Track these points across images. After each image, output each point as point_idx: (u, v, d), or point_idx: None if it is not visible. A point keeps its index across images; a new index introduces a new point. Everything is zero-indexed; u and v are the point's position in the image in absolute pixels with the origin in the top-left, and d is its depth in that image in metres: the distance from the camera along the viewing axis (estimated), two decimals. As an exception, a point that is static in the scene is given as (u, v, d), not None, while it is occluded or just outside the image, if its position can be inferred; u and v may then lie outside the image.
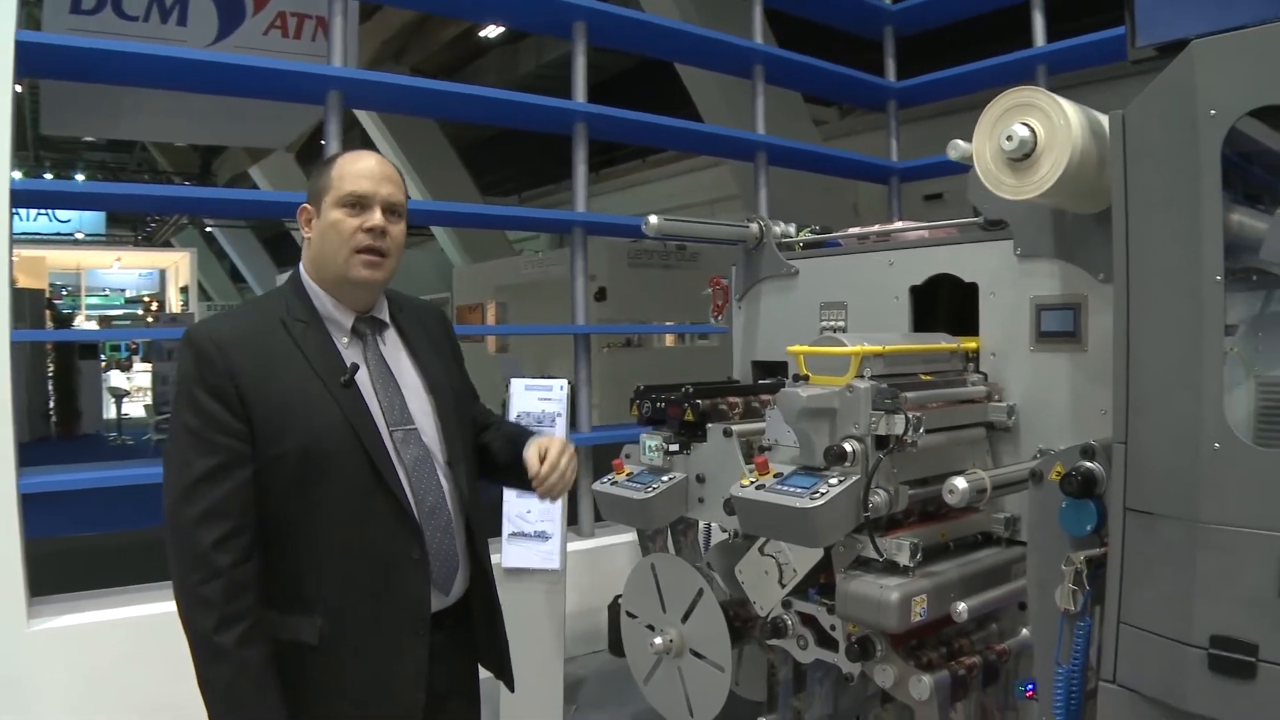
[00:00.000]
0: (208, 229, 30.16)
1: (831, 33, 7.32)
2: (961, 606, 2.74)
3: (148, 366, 18.92)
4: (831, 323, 3.63)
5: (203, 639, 1.87)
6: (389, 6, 10.91)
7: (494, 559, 4.29)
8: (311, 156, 20.20)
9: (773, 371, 3.95)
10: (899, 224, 3.60)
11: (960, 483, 2.63)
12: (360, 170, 2.10)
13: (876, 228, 3.66)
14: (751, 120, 6.34)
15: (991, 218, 3.14)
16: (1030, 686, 2.59)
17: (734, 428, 3.39)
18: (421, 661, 2.06)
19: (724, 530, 3.79)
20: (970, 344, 3.22)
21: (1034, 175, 2.46)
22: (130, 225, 30.62)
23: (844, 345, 2.86)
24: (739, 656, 3.64)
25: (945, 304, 3.44)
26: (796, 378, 2.99)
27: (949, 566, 2.88)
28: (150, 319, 21.38)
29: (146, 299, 24.08)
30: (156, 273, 24.55)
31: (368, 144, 18.53)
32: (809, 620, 3.09)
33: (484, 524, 2.30)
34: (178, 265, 23.58)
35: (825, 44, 8.04)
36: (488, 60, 17.82)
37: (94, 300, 23.94)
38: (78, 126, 14.05)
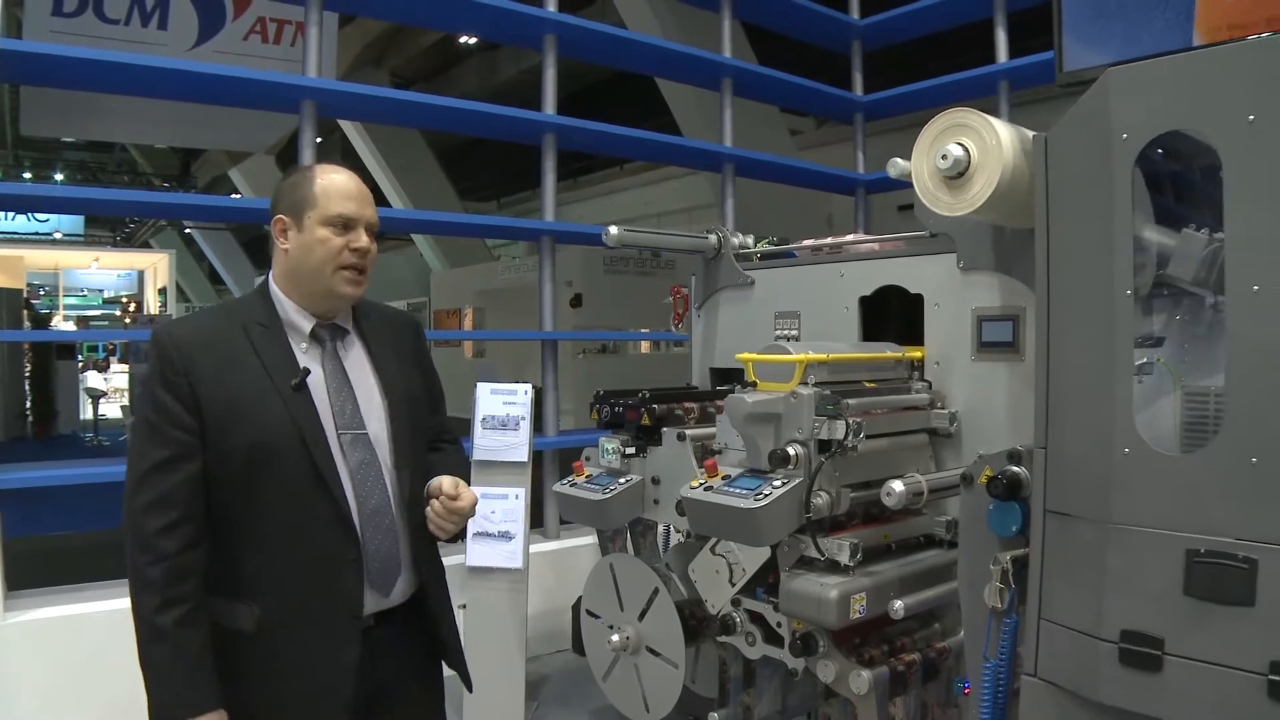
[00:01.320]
0: (187, 230, 30.11)
1: (810, 45, 7.44)
2: (898, 604, 2.85)
3: (125, 368, 18.89)
4: (785, 331, 3.75)
5: (144, 618, 1.96)
6: (365, 17, 10.96)
7: (458, 558, 4.42)
8: (291, 159, 20.17)
9: (730, 378, 4.04)
10: (850, 236, 3.72)
11: (897, 485, 2.76)
12: (344, 191, 2.17)
13: (829, 240, 3.78)
14: (720, 131, 6.45)
15: (936, 232, 3.26)
16: (968, 684, 2.70)
17: (688, 432, 3.51)
18: (351, 660, 2.11)
19: (677, 531, 3.90)
20: (915, 353, 3.34)
21: (968, 192, 2.59)
22: (109, 226, 30.56)
23: (789, 353, 2.97)
24: (695, 654, 3.74)
25: (894, 314, 3.56)
26: (746, 384, 3.10)
27: (889, 567, 2.99)
28: (128, 320, 21.35)
29: (125, 300, 24.03)
30: (135, 274, 24.49)
31: (347, 148, 18.60)
32: (757, 618, 3.21)
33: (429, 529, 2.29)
34: (156, 266, 23.52)
35: (804, 56, 8.15)
36: (468, 65, 17.88)
37: (72, 300, 23.89)
38: (57, 127, 14.06)
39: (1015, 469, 2.39)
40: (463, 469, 2.45)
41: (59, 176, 25.14)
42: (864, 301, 3.53)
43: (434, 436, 2.50)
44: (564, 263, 9.57)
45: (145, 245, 30.05)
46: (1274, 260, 1.89)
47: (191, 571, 2.00)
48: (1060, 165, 2.23)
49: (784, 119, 11.05)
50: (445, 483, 2.23)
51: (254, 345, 2.13)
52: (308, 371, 2.13)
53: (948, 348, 3.26)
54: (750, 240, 4.10)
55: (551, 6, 5.60)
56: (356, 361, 2.27)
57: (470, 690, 2.49)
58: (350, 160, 18.82)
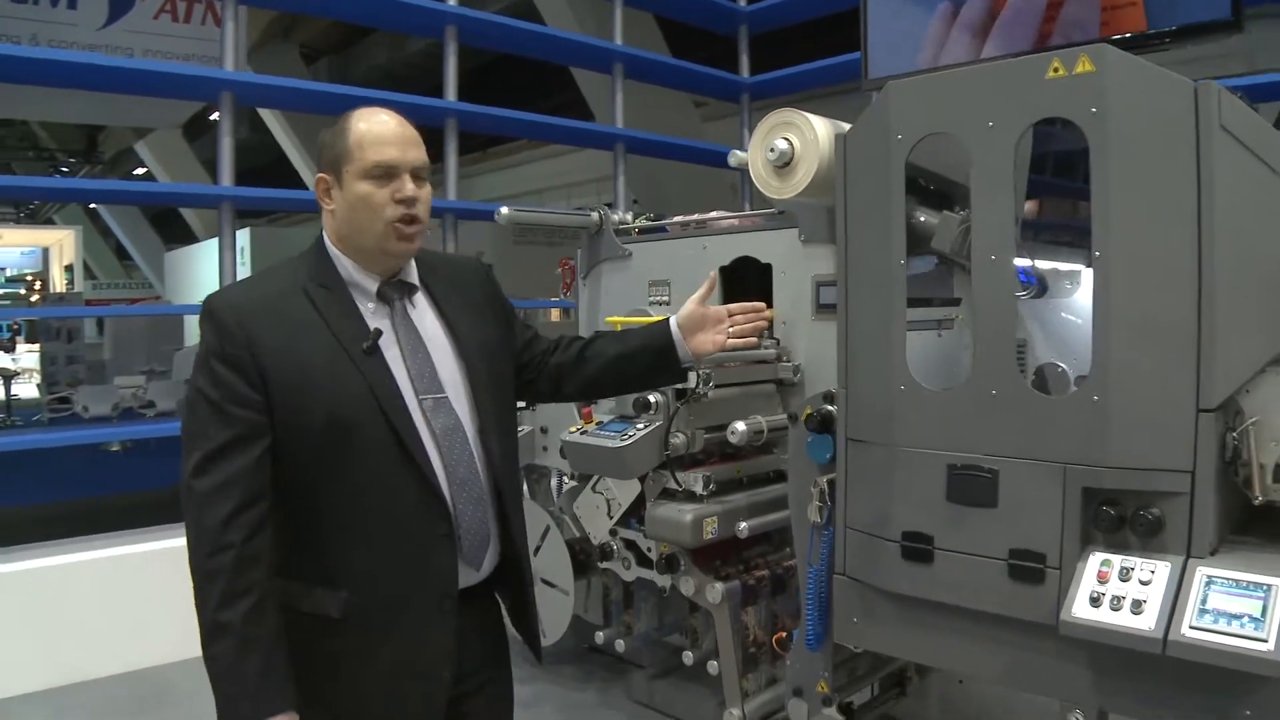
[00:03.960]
0: (92, 205, 29.63)
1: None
2: (743, 525, 3.40)
3: (35, 347, 18.73)
4: (657, 298, 4.24)
5: (207, 613, 1.81)
6: (274, 10, 11.04)
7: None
8: (200, 131, 20.07)
9: (613, 341, 4.53)
10: (714, 213, 4.21)
11: (740, 425, 3.30)
12: (383, 136, 1.98)
13: (695, 217, 4.27)
14: (612, 113, 6.92)
15: (782, 210, 3.76)
16: (808, 595, 3.20)
17: (570, 386, 3.99)
18: (448, 638, 1.99)
19: (570, 478, 4.39)
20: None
21: (792, 179, 3.10)
22: (11, 202, 29.94)
23: (651, 316, 3.47)
24: (586, 587, 4.24)
25: (750, 281, 4.06)
26: (616, 343, 3.59)
27: (740, 496, 3.54)
28: (34, 298, 21.11)
29: (29, 278, 23.69)
30: (39, 250, 24.15)
31: (256, 120, 18.59)
32: (631, 545, 3.73)
33: (518, 494, 2.23)
34: (62, 243, 23.22)
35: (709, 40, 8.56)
36: (378, 37, 17.94)
37: (-27, 279, 23.50)
38: (-41, 104, 13.91)
39: (828, 407, 2.91)
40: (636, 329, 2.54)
41: (-42, 150, 24.60)
42: (724, 270, 4.03)
43: (552, 347, 2.46)
44: (475, 234, 9.86)
45: (49, 221, 29.52)
46: (1006, 235, 2.42)
47: (258, 560, 1.84)
48: (854, 159, 2.74)
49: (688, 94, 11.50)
50: (706, 310, 2.43)
51: (318, 308, 1.96)
52: (379, 332, 1.98)
53: (792, 309, 3.78)
54: (629, 217, 4.57)
55: (452, 0, 6.01)
56: (428, 320, 2.11)
57: (539, 661, 2.40)
58: (261, 134, 18.81)
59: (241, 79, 5.30)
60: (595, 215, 4.49)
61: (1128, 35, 2.71)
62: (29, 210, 29.98)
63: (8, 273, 23.99)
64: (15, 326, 20.80)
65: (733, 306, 2.52)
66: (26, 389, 17.86)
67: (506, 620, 2.27)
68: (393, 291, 2.06)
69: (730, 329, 2.49)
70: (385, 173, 1.97)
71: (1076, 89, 2.30)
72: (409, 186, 1.99)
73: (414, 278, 2.13)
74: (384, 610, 1.95)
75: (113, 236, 31.41)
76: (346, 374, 1.92)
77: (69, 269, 22.54)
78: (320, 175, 2.03)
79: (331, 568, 1.94)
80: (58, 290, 21.81)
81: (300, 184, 16.90)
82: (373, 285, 2.04)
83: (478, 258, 2.45)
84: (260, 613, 1.82)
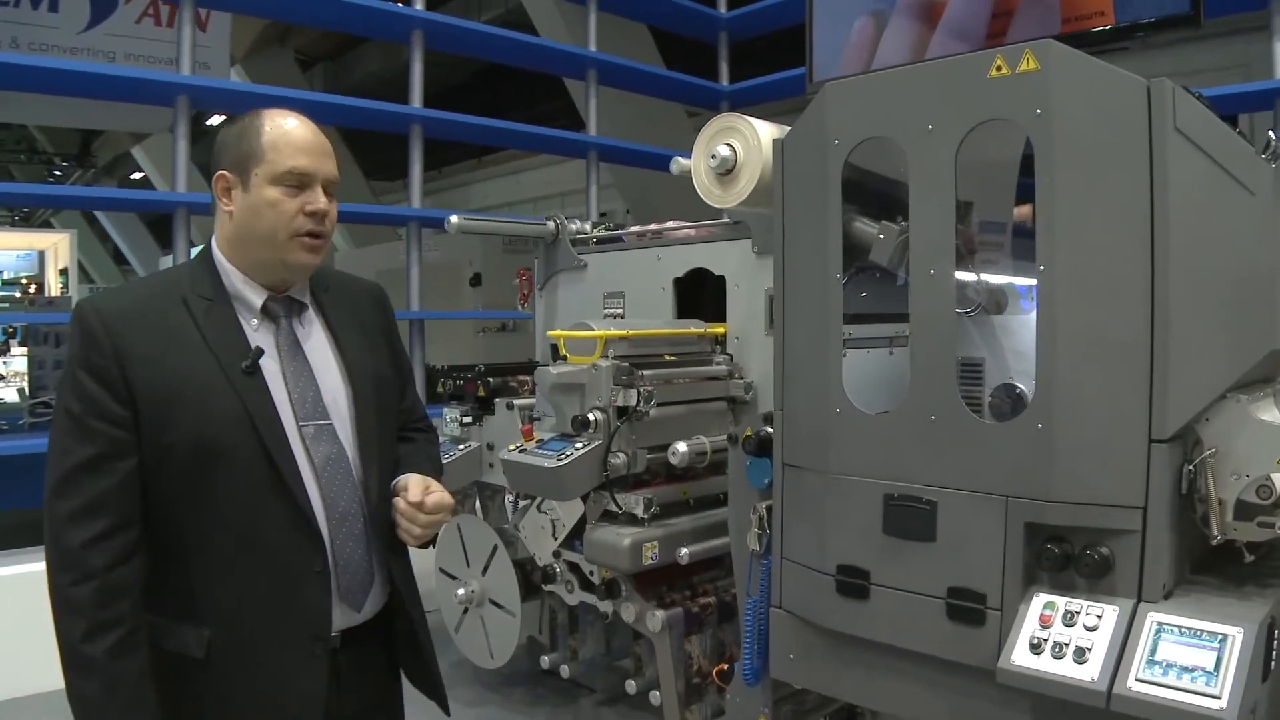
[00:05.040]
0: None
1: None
2: (684, 551, 3.22)
3: (24, 351, 18.62)
4: (612, 310, 4.08)
5: (70, 647, 1.68)
6: (236, 14, 10.91)
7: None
8: (198, 137, 20.00)
9: (570, 353, 4.37)
10: (670, 223, 4.05)
11: (681, 446, 3.13)
12: (299, 143, 1.85)
13: (652, 226, 4.11)
14: (586, 120, 6.76)
15: (736, 220, 3.60)
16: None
17: (517, 401, 3.85)
18: (318, 683, 1.84)
19: (521, 497, 4.23)
20: (719, 329, 3.68)
21: (735, 187, 2.93)
22: (7, 205, 29.83)
23: (592, 330, 3.31)
24: (539, 608, 4.08)
25: (708, 293, 3.90)
26: (559, 358, 3.43)
27: (684, 520, 3.36)
28: (29, 302, 20.99)
29: (24, 281, 23.56)
30: (35, 254, 24.01)
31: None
32: (574, 568, 3.56)
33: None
34: (57, 246, 23.06)
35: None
36: (372, 43, 17.85)
37: (-32, 282, 23.37)
38: (-47, 107, 13.82)
39: (767, 429, 2.74)
40: (434, 462, 2.19)
41: (-47, 153, 24.52)
42: (677, 282, 3.87)
43: (403, 423, 2.19)
44: (463, 243, 9.71)
45: (46, 225, 29.38)
46: (945, 247, 2.24)
47: (125, 589, 1.72)
48: (791, 166, 2.57)
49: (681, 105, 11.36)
50: (412, 481, 1.96)
51: (196, 322, 1.82)
52: (260, 351, 1.84)
53: (745, 324, 3.61)
54: (587, 226, 4.41)
55: (419, 5, 5.86)
56: (316, 341, 1.97)
57: (449, 716, 2.23)
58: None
59: (196, 83, 5.22)
60: (551, 225, 4.34)
61: (1081, 33, 2.54)
62: (24, 213, 29.85)
63: (4, 275, 23.87)
64: (10, 331, 20.65)
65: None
66: (11, 393, 17.76)
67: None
68: (280, 308, 1.92)
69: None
70: (299, 182, 1.85)
71: (1020, 89, 2.13)
72: (322, 200, 1.87)
73: (304, 295, 1.99)
74: (248, 650, 1.80)
75: (110, 240, 31.33)
76: (221, 394, 1.78)
77: (64, 273, 22.38)
78: (221, 172, 1.87)
79: (195, 603, 1.79)
80: (52, 294, 21.67)
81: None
82: (258, 300, 1.90)
83: (377, 282, 2.24)
84: (127, 648, 1.70)
